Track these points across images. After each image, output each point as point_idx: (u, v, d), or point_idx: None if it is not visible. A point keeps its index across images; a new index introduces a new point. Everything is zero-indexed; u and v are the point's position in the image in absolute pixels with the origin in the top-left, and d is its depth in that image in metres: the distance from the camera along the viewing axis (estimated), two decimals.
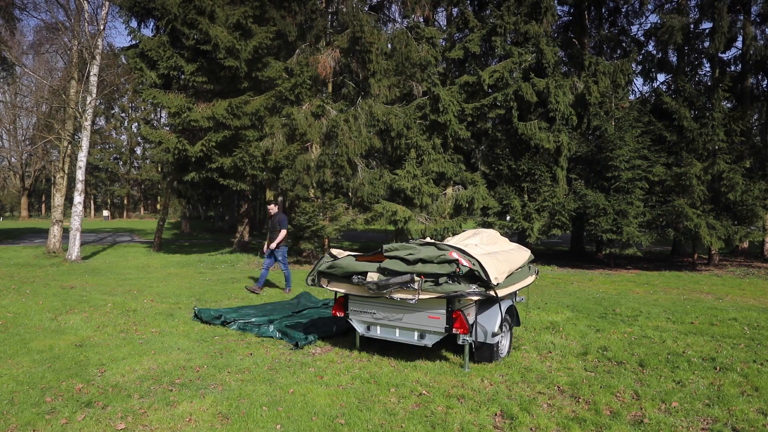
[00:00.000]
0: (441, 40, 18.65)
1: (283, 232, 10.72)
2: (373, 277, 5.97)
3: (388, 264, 5.90)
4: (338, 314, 6.55)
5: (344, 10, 18.18)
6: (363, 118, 16.82)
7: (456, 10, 19.30)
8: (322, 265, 6.43)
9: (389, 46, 17.94)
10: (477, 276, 5.61)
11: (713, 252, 17.69)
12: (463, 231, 8.00)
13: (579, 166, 17.72)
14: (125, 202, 57.01)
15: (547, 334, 7.55)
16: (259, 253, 18.64)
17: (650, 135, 16.76)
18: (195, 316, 8.18)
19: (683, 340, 7.30)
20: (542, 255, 19.57)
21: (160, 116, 42.60)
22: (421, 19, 18.94)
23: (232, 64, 15.67)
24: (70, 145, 19.72)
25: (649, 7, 20.78)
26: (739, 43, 19.48)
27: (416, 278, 5.66)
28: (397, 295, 5.78)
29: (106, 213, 50.58)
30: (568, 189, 17.03)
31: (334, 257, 6.47)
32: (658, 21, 19.11)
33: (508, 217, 16.90)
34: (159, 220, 22.05)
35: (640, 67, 21.22)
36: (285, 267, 10.97)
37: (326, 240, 17.06)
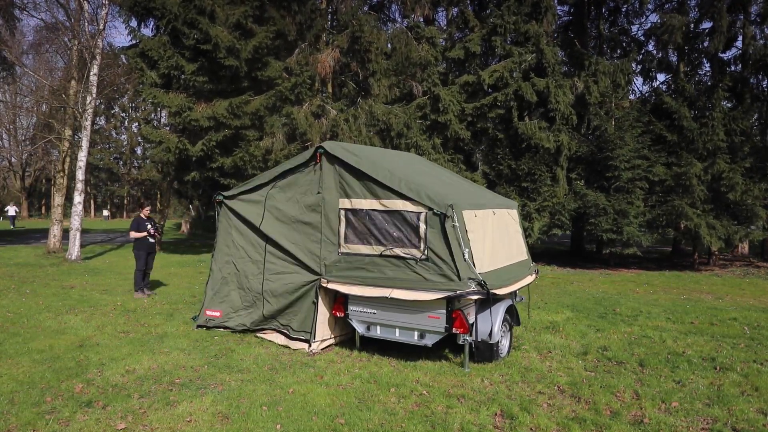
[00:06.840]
0: (441, 40, 18.62)
1: None
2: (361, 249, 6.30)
3: None
4: (338, 314, 6.55)
5: (344, 9, 18.18)
6: (363, 117, 16.81)
7: (456, 9, 19.27)
8: None
9: (389, 45, 17.93)
10: None
11: (713, 252, 17.68)
12: None
13: (579, 166, 17.70)
14: (125, 202, 56.97)
15: (547, 334, 7.55)
16: None
17: (650, 135, 16.74)
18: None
19: (683, 340, 7.30)
20: (542, 255, 19.56)
21: (161, 116, 42.49)
22: (421, 19, 18.91)
23: (232, 63, 15.66)
24: (70, 145, 19.70)
25: (649, 6, 20.74)
26: (739, 43, 19.46)
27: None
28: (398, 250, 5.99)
29: (106, 213, 50.49)
30: (568, 189, 17.02)
31: None
32: (658, 21, 19.09)
33: None
34: (159, 220, 22.03)
35: (640, 67, 21.20)
36: None
37: None
